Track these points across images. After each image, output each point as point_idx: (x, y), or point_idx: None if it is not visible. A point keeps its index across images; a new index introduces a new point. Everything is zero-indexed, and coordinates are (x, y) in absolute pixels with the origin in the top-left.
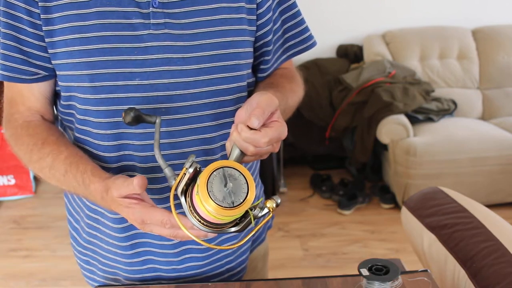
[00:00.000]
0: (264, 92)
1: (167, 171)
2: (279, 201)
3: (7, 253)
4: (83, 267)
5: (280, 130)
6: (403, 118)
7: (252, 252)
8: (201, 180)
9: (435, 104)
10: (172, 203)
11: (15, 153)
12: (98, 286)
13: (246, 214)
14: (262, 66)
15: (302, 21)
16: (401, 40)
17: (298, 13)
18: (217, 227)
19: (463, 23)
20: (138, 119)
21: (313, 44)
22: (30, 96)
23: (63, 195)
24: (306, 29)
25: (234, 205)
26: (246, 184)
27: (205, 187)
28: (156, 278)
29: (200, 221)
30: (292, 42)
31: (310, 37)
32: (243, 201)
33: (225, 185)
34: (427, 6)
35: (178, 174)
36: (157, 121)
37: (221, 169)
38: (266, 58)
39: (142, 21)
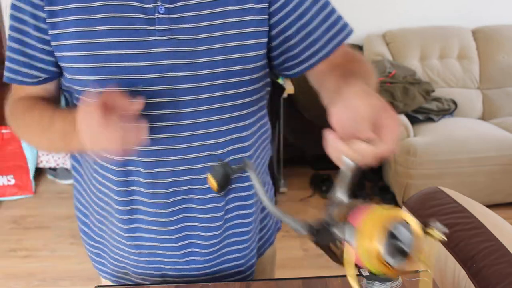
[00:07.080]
0: (361, 95)
1: (291, 221)
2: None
3: (7, 253)
4: (94, 260)
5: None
6: (403, 118)
7: (262, 255)
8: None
9: (435, 104)
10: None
11: (17, 116)
12: (97, 286)
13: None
14: (288, 64)
15: (333, 10)
16: (401, 40)
17: (327, 3)
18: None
19: (463, 23)
20: (227, 178)
21: (351, 32)
22: (35, 91)
23: (64, 195)
24: (340, 18)
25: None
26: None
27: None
28: (161, 276)
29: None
30: (332, 32)
31: (346, 25)
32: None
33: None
34: (427, 6)
35: (299, 222)
36: (248, 165)
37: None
38: (290, 54)
39: (147, 27)
